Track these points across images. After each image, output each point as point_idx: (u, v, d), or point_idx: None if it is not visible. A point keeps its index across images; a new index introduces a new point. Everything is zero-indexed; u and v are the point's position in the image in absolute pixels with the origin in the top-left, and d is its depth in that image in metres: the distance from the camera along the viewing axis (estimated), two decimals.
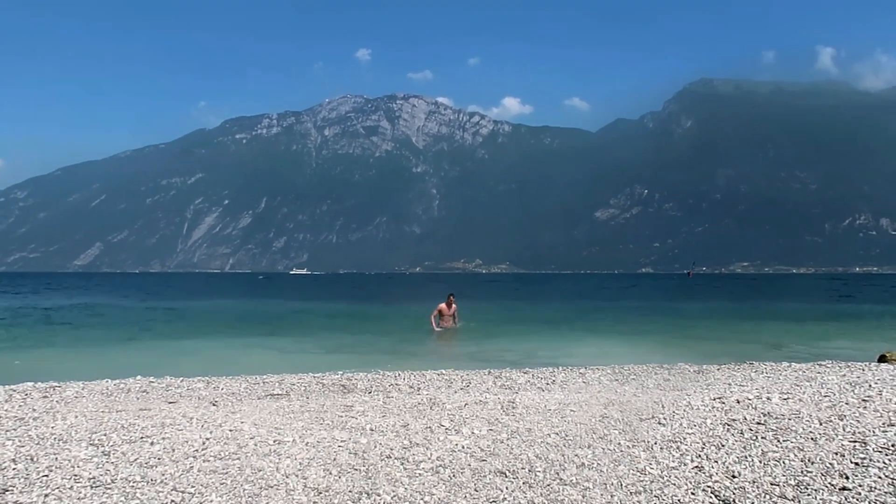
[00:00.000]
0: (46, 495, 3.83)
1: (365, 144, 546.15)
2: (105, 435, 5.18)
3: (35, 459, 4.50)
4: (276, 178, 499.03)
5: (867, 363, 12.32)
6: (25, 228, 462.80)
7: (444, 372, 10.50)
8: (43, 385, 9.02)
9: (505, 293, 62.15)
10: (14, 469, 4.28)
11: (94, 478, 4.11)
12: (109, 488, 3.96)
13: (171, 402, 7.73)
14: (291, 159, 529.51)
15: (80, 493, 3.88)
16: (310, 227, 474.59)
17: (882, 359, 12.83)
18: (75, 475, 4.16)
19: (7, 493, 3.87)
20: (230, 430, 5.39)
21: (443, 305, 19.36)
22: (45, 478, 4.11)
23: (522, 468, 4.49)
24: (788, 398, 7.44)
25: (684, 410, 6.57)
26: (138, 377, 10.08)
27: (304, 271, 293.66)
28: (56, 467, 4.32)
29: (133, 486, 3.98)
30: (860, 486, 4.10)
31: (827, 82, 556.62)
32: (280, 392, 8.55)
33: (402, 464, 4.56)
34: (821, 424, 5.79)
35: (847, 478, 4.24)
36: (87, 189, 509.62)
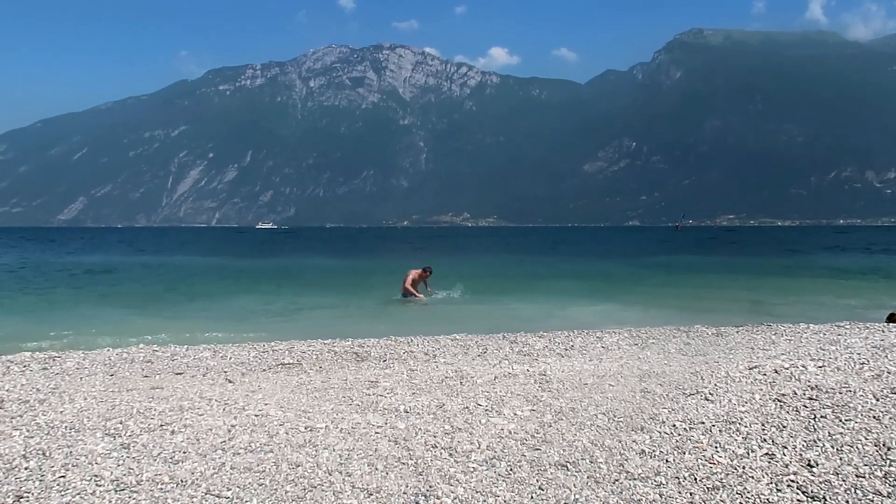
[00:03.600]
0: (67, 503, 3.42)
1: (351, 96, 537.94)
2: (121, 422, 4.76)
3: (48, 455, 4.08)
4: (261, 130, 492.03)
5: (882, 324, 12.16)
6: (6, 183, 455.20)
7: (457, 337, 10.16)
8: (41, 355, 8.59)
9: (496, 248, 61.97)
10: (26, 468, 3.86)
11: (117, 479, 3.71)
12: (136, 491, 3.56)
13: (178, 374, 7.34)
14: (276, 111, 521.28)
15: (105, 498, 3.47)
16: (296, 180, 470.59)
17: (891, 318, 12.66)
18: (96, 476, 3.75)
19: (21, 499, 3.46)
20: (255, 415, 5.00)
21: (416, 273, 17.14)
22: (62, 479, 3.70)
23: (583, 459, 4.14)
24: (824, 366, 7.17)
25: (726, 383, 6.25)
26: (141, 345, 9.68)
27: (269, 225, 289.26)
28: (73, 465, 3.90)
29: (162, 490, 3.58)
30: None
31: (817, 32, 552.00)
32: (291, 361, 8.18)
33: (451, 455, 4.19)
34: (877, 400, 5.50)
35: None
36: (68, 142, 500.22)
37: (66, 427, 4.65)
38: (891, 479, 3.80)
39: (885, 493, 3.63)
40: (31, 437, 4.43)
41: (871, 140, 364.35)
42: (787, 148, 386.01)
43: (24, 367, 7.61)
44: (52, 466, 3.88)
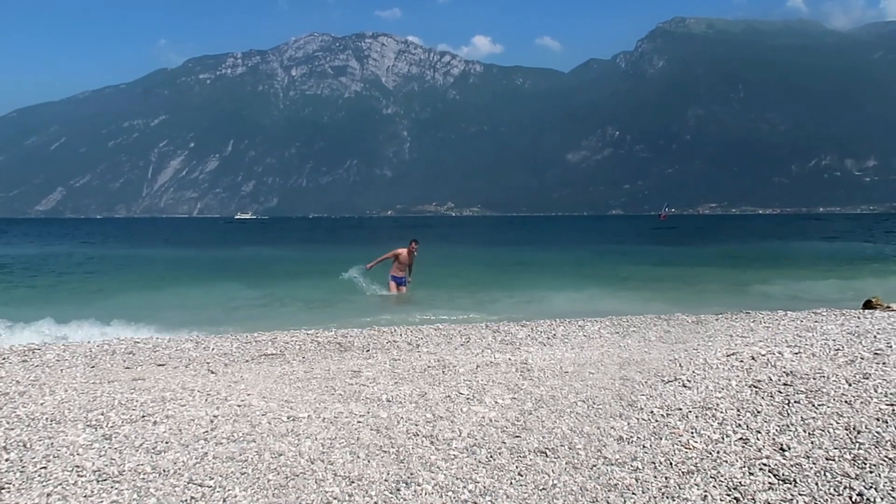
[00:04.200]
0: (49, 494, 3.42)
1: (333, 85, 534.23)
2: (102, 413, 4.77)
3: (29, 446, 4.08)
4: (243, 119, 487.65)
5: (858, 310, 12.38)
6: None
7: (440, 326, 10.23)
8: (21, 347, 8.52)
9: (479, 237, 62.11)
10: (7, 460, 3.86)
11: (98, 469, 3.72)
12: (118, 482, 3.58)
13: (160, 365, 7.33)
14: (258, 100, 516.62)
15: (87, 489, 3.49)
16: (279, 170, 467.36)
17: (867, 304, 12.88)
18: (77, 466, 3.76)
19: (2, 491, 3.47)
20: (238, 405, 5.02)
21: (402, 251, 15.53)
22: (43, 470, 3.70)
23: (561, 445, 4.21)
24: (800, 352, 7.30)
25: (704, 370, 6.36)
26: (122, 337, 9.63)
27: (248, 215, 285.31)
28: (54, 456, 3.91)
29: (144, 479, 3.60)
30: None
31: (798, 21, 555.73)
32: (274, 352, 8.19)
33: (433, 443, 4.24)
34: (849, 385, 5.62)
35: None
36: (46, 132, 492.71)
37: (46, 419, 4.65)
38: (859, 462, 3.91)
39: (854, 475, 3.73)
40: (12, 430, 4.42)
41: (850, 129, 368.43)
42: (768, 137, 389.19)
43: (4, 359, 7.56)
44: (34, 458, 3.88)
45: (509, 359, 7.09)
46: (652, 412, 4.95)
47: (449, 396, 5.38)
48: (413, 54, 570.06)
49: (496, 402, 5.19)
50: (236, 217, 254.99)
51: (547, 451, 4.12)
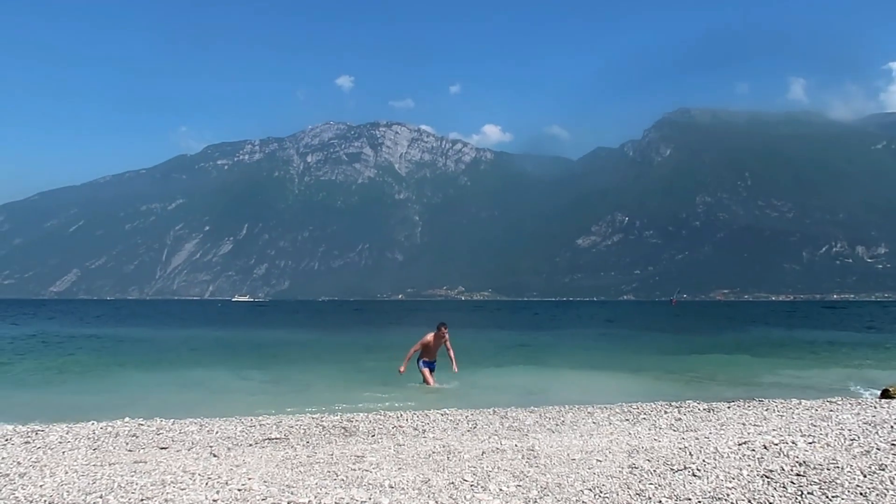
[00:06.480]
0: None
1: (347, 171, 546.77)
2: (101, 496, 4.71)
3: None
4: (258, 204, 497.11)
5: (875, 399, 12.16)
6: (0, 254, 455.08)
7: (447, 412, 10.10)
8: (24, 428, 8.48)
9: (489, 322, 61.78)
10: None
11: None
12: None
13: (163, 448, 7.25)
14: (273, 185, 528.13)
15: None
16: (291, 253, 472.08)
17: (885, 394, 12.65)
18: None
19: None
20: (238, 490, 4.95)
21: (430, 337, 14.39)
22: None
23: None
24: (814, 442, 7.15)
25: (714, 459, 6.23)
26: (126, 419, 9.55)
27: (245, 298, 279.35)
28: None
29: None
30: None
31: (800, 112, 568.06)
32: (278, 436, 8.10)
33: None
34: (864, 476, 5.48)
35: None
36: (65, 214, 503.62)
37: (45, 501, 4.60)
38: None
39: None
40: None
41: (858, 216, 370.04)
42: (777, 223, 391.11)
43: (6, 440, 7.52)
44: None
45: (516, 445, 6.97)
46: (660, 502, 4.83)
47: (453, 483, 5.28)
48: (425, 142, 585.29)
49: (501, 490, 5.09)
50: (233, 299, 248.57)
51: None
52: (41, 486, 5.05)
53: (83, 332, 36.36)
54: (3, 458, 6.21)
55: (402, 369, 14.37)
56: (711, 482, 5.36)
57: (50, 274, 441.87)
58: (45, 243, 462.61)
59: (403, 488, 5.11)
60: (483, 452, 6.54)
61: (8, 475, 5.42)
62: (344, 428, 8.57)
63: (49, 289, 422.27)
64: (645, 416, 9.69)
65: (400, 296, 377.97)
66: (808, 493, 5.01)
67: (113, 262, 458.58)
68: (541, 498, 4.89)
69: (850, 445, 6.84)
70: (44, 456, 6.44)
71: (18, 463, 5.96)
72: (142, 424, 8.84)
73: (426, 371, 14.51)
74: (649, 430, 8.51)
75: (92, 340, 30.12)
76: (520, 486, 5.22)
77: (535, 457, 6.31)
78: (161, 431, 8.30)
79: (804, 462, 5.98)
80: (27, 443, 7.37)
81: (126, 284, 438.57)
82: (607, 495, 4.99)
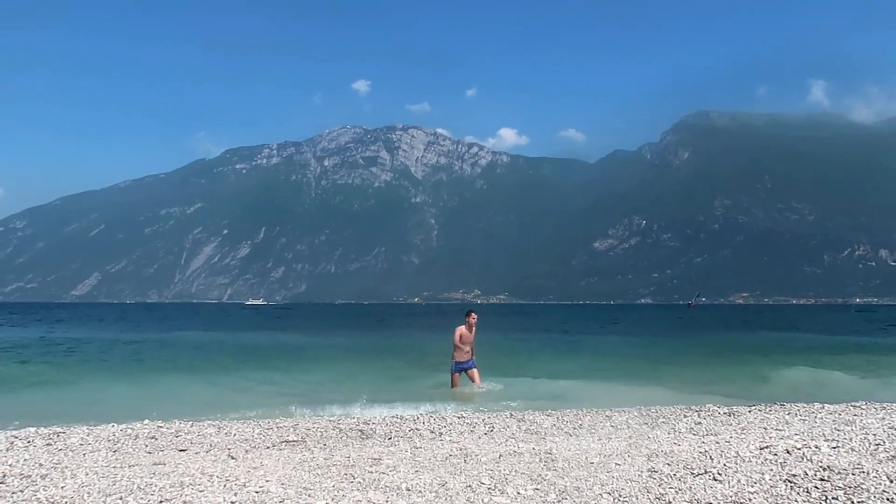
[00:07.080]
0: None
1: (364, 175, 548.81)
2: (120, 498, 4.74)
3: None
4: (276, 207, 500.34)
5: None
6: (23, 258, 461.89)
7: (464, 414, 10.06)
8: (46, 430, 8.57)
9: (506, 325, 61.62)
10: None
11: None
12: None
13: (181, 450, 7.29)
14: (291, 189, 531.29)
15: None
16: (308, 256, 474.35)
17: None
18: None
19: None
20: (255, 492, 4.96)
21: (463, 329, 13.96)
22: None
23: None
24: (838, 447, 7.02)
25: (736, 463, 6.14)
26: (146, 421, 9.62)
27: (259, 301, 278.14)
28: None
29: None
30: None
31: (821, 114, 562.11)
32: (295, 438, 8.11)
33: None
34: (891, 482, 5.38)
35: None
36: (86, 219, 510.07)
37: (66, 502, 4.63)
38: None
39: None
40: None
41: (880, 220, 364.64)
42: (797, 227, 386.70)
43: (28, 442, 7.60)
44: None
45: (533, 448, 6.92)
46: None
47: (470, 486, 5.25)
48: (442, 145, 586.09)
49: (518, 493, 5.05)
50: (247, 303, 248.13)
51: None
52: (62, 487, 5.09)
53: (101, 337, 36.81)
54: (25, 460, 6.27)
55: (454, 386, 14.12)
56: (733, 486, 5.29)
57: (71, 278, 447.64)
58: (66, 247, 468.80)
59: (420, 491, 5.09)
60: (500, 456, 6.50)
61: (30, 476, 5.47)
62: (361, 431, 8.57)
63: (70, 292, 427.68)
64: (664, 419, 9.58)
65: (416, 299, 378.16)
66: (833, 498, 4.93)
67: (133, 265, 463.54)
68: (559, 502, 4.85)
69: (875, 450, 6.72)
70: (65, 458, 6.50)
71: (40, 464, 6.02)
72: (161, 427, 8.90)
73: (456, 376, 14.23)
74: (668, 433, 8.42)
75: (115, 345, 30.47)
76: (537, 489, 5.18)
77: (552, 460, 6.26)
78: (180, 434, 8.35)
79: (828, 467, 5.88)
80: (49, 444, 7.44)
81: (145, 288, 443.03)
82: (626, 499, 4.93)
